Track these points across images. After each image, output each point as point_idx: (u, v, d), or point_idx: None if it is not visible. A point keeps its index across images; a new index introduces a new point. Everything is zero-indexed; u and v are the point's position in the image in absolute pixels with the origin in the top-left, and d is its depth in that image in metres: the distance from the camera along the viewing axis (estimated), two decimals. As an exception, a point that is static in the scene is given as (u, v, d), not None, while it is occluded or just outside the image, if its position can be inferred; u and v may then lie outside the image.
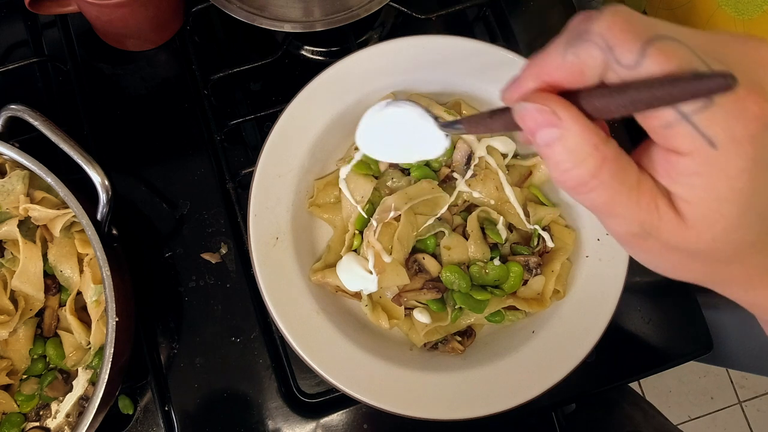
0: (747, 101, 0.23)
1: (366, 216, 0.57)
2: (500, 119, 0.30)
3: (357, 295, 0.57)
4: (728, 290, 0.30)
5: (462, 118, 0.33)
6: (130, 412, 0.60)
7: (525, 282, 0.57)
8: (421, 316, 0.56)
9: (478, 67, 0.59)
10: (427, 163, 0.59)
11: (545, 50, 0.27)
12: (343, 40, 0.69)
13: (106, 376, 0.49)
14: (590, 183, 0.26)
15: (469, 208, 0.59)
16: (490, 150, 0.59)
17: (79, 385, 0.58)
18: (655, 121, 0.25)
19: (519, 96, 0.28)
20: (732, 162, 0.24)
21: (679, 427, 0.71)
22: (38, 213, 0.54)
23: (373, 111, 0.41)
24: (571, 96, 0.26)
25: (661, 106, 0.24)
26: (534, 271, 0.57)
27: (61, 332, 0.57)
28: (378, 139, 0.41)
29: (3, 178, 0.55)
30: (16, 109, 0.51)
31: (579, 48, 0.25)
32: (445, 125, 0.36)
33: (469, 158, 0.59)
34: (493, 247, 0.58)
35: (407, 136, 0.39)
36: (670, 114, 0.24)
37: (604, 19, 0.24)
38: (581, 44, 0.25)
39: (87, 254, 0.56)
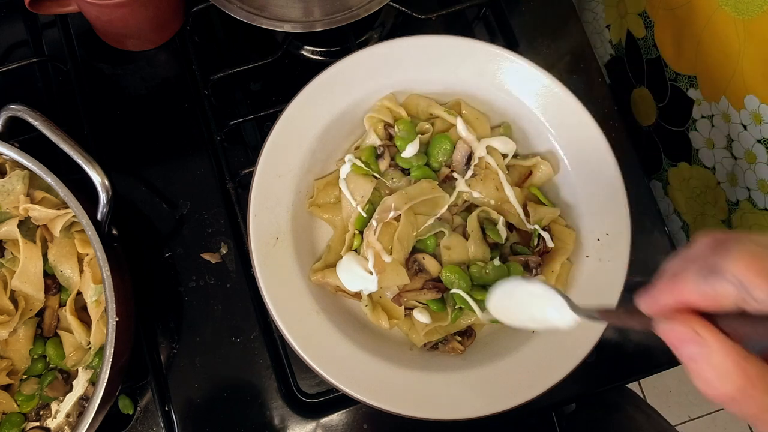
0: None
1: (366, 216, 0.57)
2: (638, 320, 0.32)
3: (357, 295, 0.57)
4: None
5: (599, 311, 0.35)
6: (130, 412, 0.60)
7: (525, 282, 0.57)
8: (421, 316, 0.56)
9: (478, 67, 0.59)
10: (427, 163, 0.59)
11: (679, 273, 0.30)
12: (343, 40, 0.69)
13: (106, 376, 0.49)
14: (737, 397, 0.28)
15: (469, 208, 0.59)
16: (490, 150, 0.59)
17: (79, 385, 0.58)
18: None
19: (658, 310, 0.31)
20: None
21: (679, 427, 0.71)
22: (38, 213, 0.54)
23: (506, 283, 0.43)
24: (709, 315, 0.29)
25: None
26: (534, 271, 0.57)
27: (61, 332, 0.57)
28: (508, 305, 0.44)
29: (3, 178, 0.55)
30: (16, 109, 0.51)
31: (714, 282, 0.28)
32: (581, 313, 0.38)
33: (469, 158, 0.59)
34: (493, 247, 0.58)
35: (538, 309, 0.41)
36: None
37: (736, 257, 0.27)
38: (716, 279, 0.28)
39: (87, 254, 0.56)
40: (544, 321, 0.41)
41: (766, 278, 0.26)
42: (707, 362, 0.28)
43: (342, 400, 0.60)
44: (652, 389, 1.56)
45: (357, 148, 0.61)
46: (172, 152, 0.67)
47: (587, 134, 0.58)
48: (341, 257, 0.56)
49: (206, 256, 0.64)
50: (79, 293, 0.56)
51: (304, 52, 0.72)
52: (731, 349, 0.28)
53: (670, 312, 0.30)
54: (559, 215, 0.59)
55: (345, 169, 0.58)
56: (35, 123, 0.51)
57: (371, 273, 0.54)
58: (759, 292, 0.27)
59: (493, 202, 0.59)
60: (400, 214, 0.55)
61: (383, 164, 0.58)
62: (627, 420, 0.70)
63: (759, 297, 0.27)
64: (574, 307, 0.38)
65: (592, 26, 0.88)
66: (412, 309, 0.57)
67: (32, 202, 0.55)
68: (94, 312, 0.55)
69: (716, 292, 0.28)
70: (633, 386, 1.45)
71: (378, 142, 0.59)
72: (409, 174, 0.59)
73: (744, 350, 0.28)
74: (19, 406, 0.56)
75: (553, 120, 0.59)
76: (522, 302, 0.42)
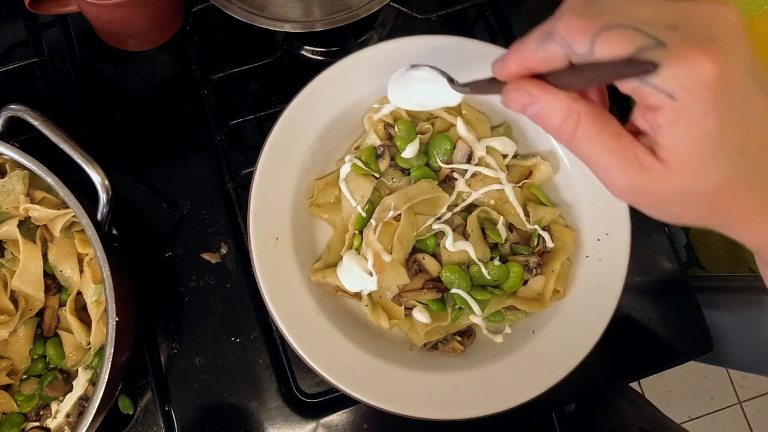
0: (696, 56, 0.28)
1: (366, 216, 0.57)
2: (496, 86, 0.36)
3: (357, 295, 0.57)
4: (734, 231, 0.34)
5: (471, 84, 0.41)
6: (130, 412, 0.60)
7: (525, 282, 0.57)
8: (421, 316, 0.56)
9: (478, 67, 0.59)
10: (427, 163, 0.59)
11: (524, 41, 0.34)
12: (343, 40, 0.69)
13: (106, 376, 0.49)
14: (573, 133, 0.32)
15: (469, 208, 0.59)
16: (490, 150, 0.59)
17: (79, 385, 0.58)
18: (625, 86, 0.30)
19: (504, 75, 0.35)
20: (694, 107, 0.28)
21: (678, 427, 0.71)
22: (38, 213, 0.54)
23: (399, 72, 0.49)
24: (546, 75, 0.33)
25: (611, 81, 0.31)
26: (534, 271, 0.57)
27: (61, 332, 0.57)
28: (403, 92, 0.49)
29: (3, 178, 0.55)
30: (16, 109, 0.51)
31: (546, 46, 0.32)
32: (455, 86, 0.44)
33: (469, 158, 0.59)
34: (493, 247, 0.58)
35: (427, 91, 0.47)
36: (632, 80, 0.30)
37: (563, 20, 0.31)
38: (548, 43, 0.32)
39: (87, 254, 0.56)
40: (435, 101, 0.47)
41: (585, 32, 0.30)
42: (542, 111, 0.33)
43: (342, 400, 0.60)
44: (652, 389, 1.56)
45: (357, 148, 0.61)
46: (172, 152, 0.67)
47: (587, 134, 0.58)
48: (341, 257, 0.56)
49: (206, 256, 0.64)
50: (79, 293, 0.56)
51: (304, 52, 0.72)
52: (560, 96, 0.32)
53: (515, 77, 0.34)
54: (559, 215, 0.59)
55: (345, 169, 0.58)
56: (35, 123, 0.51)
57: (371, 273, 0.54)
58: (579, 47, 0.30)
59: (493, 202, 0.59)
60: (400, 214, 0.55)
61: (383, 164, 0.58)
62: (615, 411, 0.70)
63: (580, 51, 0.30)
64: (454, 85, 0.44)
65: (592, 26, 0.88)
66: (412, 309, 0.57)
67: (32, 202, 0.55)
68: (94, 312, 0.55)
69: (548, 54, 0.32)
70: (633, 386, 1.45)
71: (378, 142, 0.59)
72: (409, 174, 0.59)
73: (574, 95, 0.32)
74: (19, 406, 0.56)
75: (553, 120, 0.59)
76: (416, 88, 0.47)
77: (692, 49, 0.28)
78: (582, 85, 0.32)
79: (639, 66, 0.28)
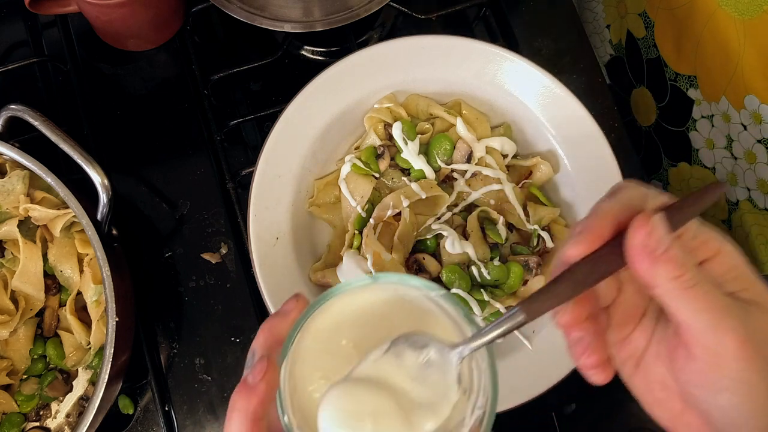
0: None
1: (365, 216, 0.57)
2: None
3: (357, 295, 0.57)
4: None
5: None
6: (130, 412, 0.60)
7: (525, 282, 0.57)
8: (421, 316, 0.56)
9: (478, 67, 0.59)
10: (428, 162, 0.59)
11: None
12: (343, 40, 0.69)
13: (106, 376, 0.49)
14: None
15: (469, 208, 0.59)
16: (489, 150, 0.59)
17: (79, 385, 0.58)
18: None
19: None
20: None
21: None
22: (38, 213, 0.54)
23: None
24: None
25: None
26: (534, 271, 0.57)
27: (61, 332, 0.57)
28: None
29: (3, 178, 0.55)
30: (16, 109, 0.51)
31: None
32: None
33: (469, 158, 0.59)
34: (493, 247, 0.58)
35: None
36: None
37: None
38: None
39: (87, 254, 0.56)
40: None
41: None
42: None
43: (342, 400, 0.60)
44: (652, 389, 1.56)
45: (357, 148, 0.61)
46: (172, 152, 0.67)
47: (587, 134, 0.58)
48: (341, 257, 0.56)
49: (206, 256, 0.64)
50: (79, 293, 0.56)
51: (304, 52, 0.72)
52: None
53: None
54: (559, 215, 0.59)
55: (345, 169, 0.58)
56: (35, 123, 0.51)
57: (371, 273, 0.54)
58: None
59: (493, 202, 0.59)
60: (399, 213, 0.55)
61: (383, 164, 0.58)
62: (630, 416, 0.70)
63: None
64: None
65: (592, 26, 0.88)
66: (412, 309, 0.57)
67: (32, 202, 0.55)
68: (94, 312, 0.55)
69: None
70: (633, 386, 1.45)
71: (378, 142, 0.59)
72: (409, 174, 0.59)
73: None
74: (19, 406, 0.56)
75: (553, 120, 0.59)
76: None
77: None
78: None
79: None
